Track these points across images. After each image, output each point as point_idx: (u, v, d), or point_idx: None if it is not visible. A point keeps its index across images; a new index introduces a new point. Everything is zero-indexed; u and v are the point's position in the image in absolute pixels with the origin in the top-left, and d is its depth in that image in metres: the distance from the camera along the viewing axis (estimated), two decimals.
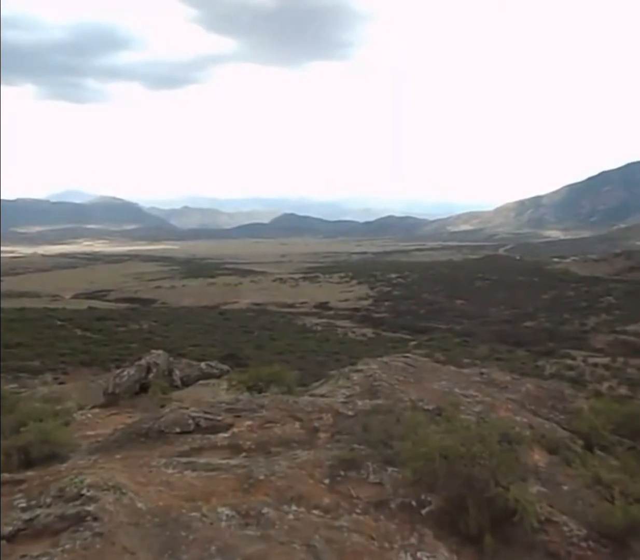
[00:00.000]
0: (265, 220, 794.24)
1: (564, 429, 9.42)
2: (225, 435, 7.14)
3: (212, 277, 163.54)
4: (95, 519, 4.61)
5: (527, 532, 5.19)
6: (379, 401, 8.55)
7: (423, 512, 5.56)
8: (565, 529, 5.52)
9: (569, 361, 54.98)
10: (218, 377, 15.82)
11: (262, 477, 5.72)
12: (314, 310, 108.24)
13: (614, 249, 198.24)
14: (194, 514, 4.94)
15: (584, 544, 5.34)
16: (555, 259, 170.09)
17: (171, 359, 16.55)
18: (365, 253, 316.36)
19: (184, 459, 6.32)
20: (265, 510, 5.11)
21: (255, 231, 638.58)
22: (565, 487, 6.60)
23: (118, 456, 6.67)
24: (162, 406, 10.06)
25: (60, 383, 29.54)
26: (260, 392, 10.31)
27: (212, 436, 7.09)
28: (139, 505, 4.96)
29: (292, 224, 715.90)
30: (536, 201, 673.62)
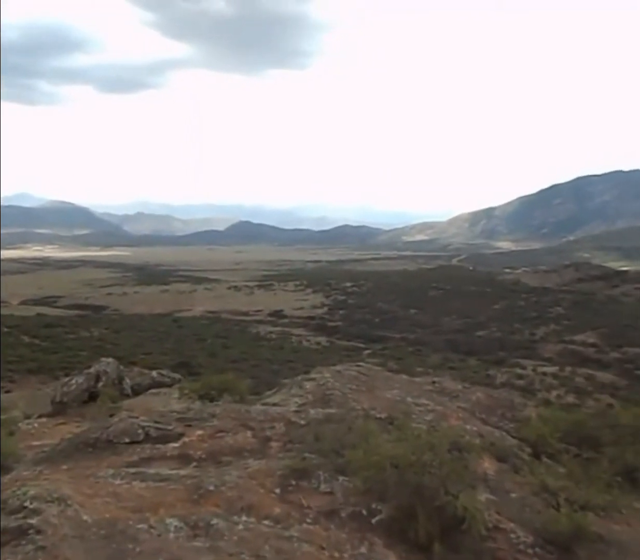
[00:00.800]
0: (221, 228, 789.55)
1: (513, 437, 9.58)
2: (176, 445, 7.04)
3: (166, 284, 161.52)
4: (39, 532, 4.49)
5: (475, 539, 5.25)
6: (332, 410, 8.55)
7: (373, 521, 5.57)
8: (512, 536, 5.60)
9: (519, 370, 55.84)
10: (170, 385, 15.64)
11: (212, 488, 5.66)
12: (269, 318, 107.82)
13: (564, 260, 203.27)
14: (141, 525, 4.85)
15: (530, 551, 5.43)
16: (507, 270, 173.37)
17: (122, 367, 16.29)
18: (320, 261, 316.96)
19: (132, 470, 6.20)
20: (214, 521, 5.04)
21: (210, 238, 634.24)
22: (513, 495, 6.70)
23: (64, 467, 6.51)
24: (112, 415, 9.87)
25: (7, 392, 28.74)
26: (212, 401, 10.22)
27: (162, 446, 6.99)
28: (85, 517, 4.84)
29: (247, 232, 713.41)
30: (489, 212, 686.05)
